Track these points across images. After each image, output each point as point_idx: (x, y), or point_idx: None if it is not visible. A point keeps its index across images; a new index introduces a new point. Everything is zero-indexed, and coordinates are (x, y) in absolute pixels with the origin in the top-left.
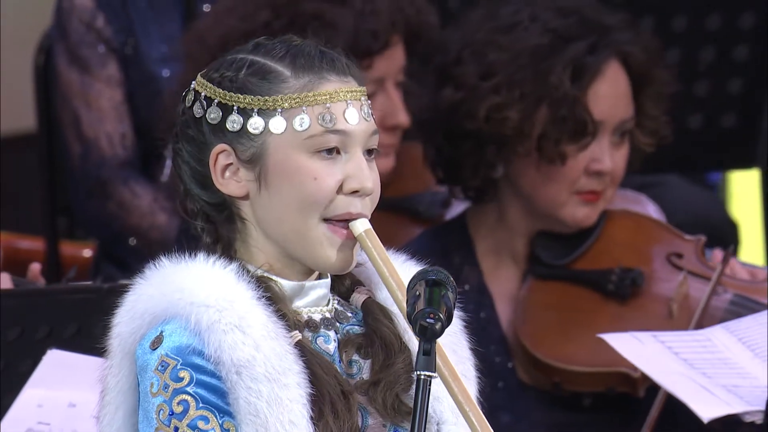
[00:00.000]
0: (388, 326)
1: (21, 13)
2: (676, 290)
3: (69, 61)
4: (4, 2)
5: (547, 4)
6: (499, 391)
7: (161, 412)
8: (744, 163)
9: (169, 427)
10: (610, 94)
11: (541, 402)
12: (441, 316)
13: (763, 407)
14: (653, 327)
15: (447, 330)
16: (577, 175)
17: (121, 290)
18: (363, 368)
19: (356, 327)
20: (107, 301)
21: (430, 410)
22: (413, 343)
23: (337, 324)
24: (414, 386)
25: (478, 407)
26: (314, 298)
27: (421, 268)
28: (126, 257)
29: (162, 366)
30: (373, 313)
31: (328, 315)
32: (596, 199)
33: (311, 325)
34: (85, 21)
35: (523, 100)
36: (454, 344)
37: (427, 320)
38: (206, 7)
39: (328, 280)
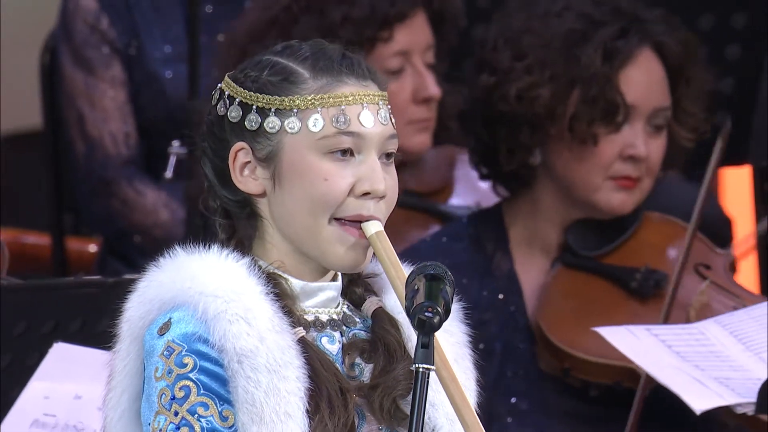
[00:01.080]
0: (394, 335)
1: (25, 13)
2: (696, 297)
3: (74, 61)
4: (8, 2)
5: None
6: (519, 378)
7: (163, 396)
8: (736, 160)
9: (169, 411)
10: (642, 80)
11: (553, 390)
12: (439, 309)
13: (754, 399)
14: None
15: (451, 340)
16: (611, 159)
17: (126, 285)
18: (364, 372)
19: (362, 332)
20: (112, 296)
21: (425, 417)
22: None
23: (344, 327)
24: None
25: (472, 407)
26: (323, 300)
27: (420, 264)
28: (131, 253)
29: (168, 351)
30: (381, 322)
31: (335, 317)
32: (632, 186)
33: (317, 325)
34: (90, 22)
35: (554, 81)
36: (457, 354)
37: (426, 314)
38: (209, 8)
39: (339, 284)
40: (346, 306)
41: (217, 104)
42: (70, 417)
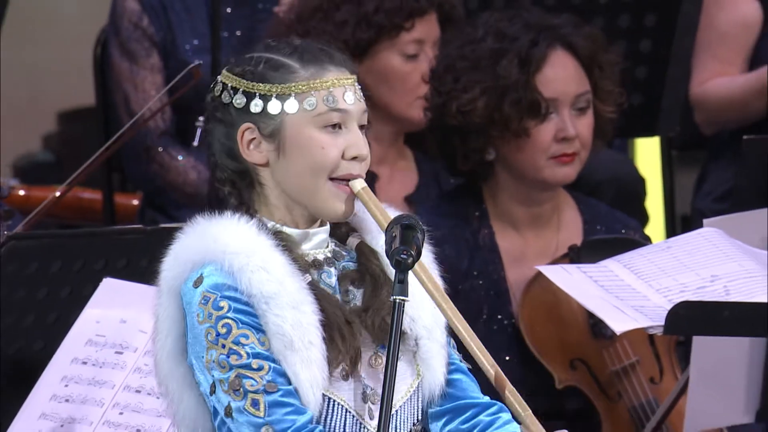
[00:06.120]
0: (377, 264)
1: (82, 15)
2: None
3: (120, 53)
4: (71, 5)
5: (499, 17)
6: (498, 333)
7: (209, 335)
8: (647, 132)
9: (217, 345)
10: (558, 76)
11: (527, 351)
12: (412, 252)
13: (662, 323)
14: None
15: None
16: (548, 143)
17: (162, 232)
18: (356, 296)
19: (350, 263)
20: (150, 241)
21: (407, 329)
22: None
23: (336, 262)
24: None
25: (455, 308)
26: (317, 242)
27: (397, 215)
28: (165, 206)
29: (204, 300)
30: (365, 254)
31: (329, 254)
32: (571, 160)
33: (316, 265)
34: (134, 21)
35: (485, 94)
36: None
37: (401, 255)
38: (228, 10)
39: (327, 227)
40: (333, 243)
41: (220, 94)
42: (116, 337)
